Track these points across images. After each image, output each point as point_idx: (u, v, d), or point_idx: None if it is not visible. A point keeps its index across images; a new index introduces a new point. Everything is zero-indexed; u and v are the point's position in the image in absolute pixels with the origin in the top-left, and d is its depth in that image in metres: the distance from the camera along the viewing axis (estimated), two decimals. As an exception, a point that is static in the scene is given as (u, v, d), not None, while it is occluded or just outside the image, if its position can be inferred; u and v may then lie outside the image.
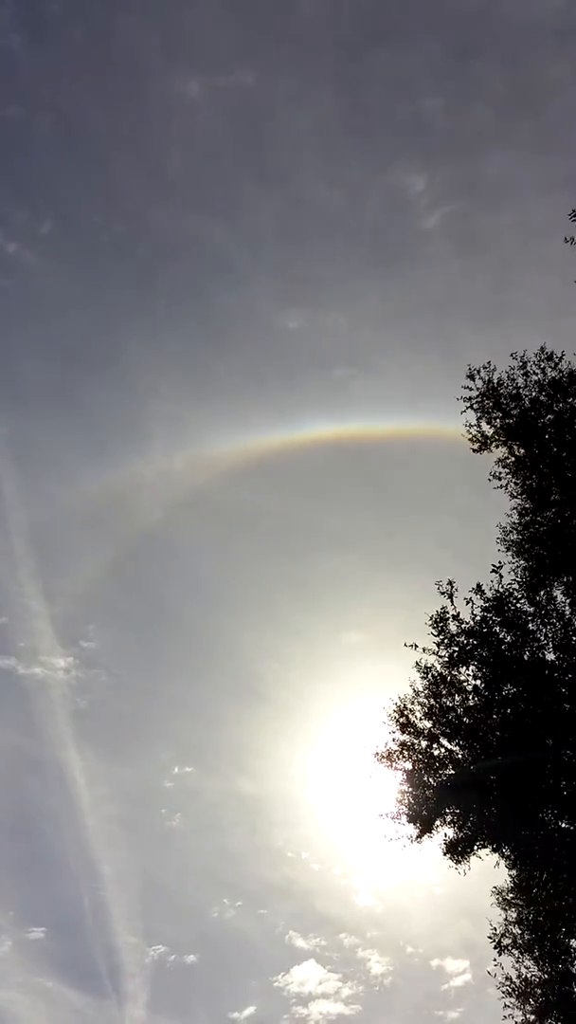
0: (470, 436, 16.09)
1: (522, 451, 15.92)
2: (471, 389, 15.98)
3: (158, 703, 62.32)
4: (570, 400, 15.69)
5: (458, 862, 14.51)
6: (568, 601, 14.48)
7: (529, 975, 14.56)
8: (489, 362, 15.93)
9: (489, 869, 14.85)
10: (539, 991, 14.44)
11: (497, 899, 15.27)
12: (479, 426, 15.99)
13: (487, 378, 15.92)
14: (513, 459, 16.01)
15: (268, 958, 50.56)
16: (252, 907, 52.88)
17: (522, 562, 15.32)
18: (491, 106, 63.21)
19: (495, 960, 14.43)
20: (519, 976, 14.45)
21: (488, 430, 15.97)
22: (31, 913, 48.16)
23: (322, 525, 65.28)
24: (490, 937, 14.57)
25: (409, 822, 14.88)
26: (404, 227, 65.48)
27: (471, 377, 15.95)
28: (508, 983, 14.35)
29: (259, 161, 66.19)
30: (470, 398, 15.96)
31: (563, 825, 13.74)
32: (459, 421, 16.58)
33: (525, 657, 13.97)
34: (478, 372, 15.95)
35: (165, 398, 63.37)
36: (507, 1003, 14.42)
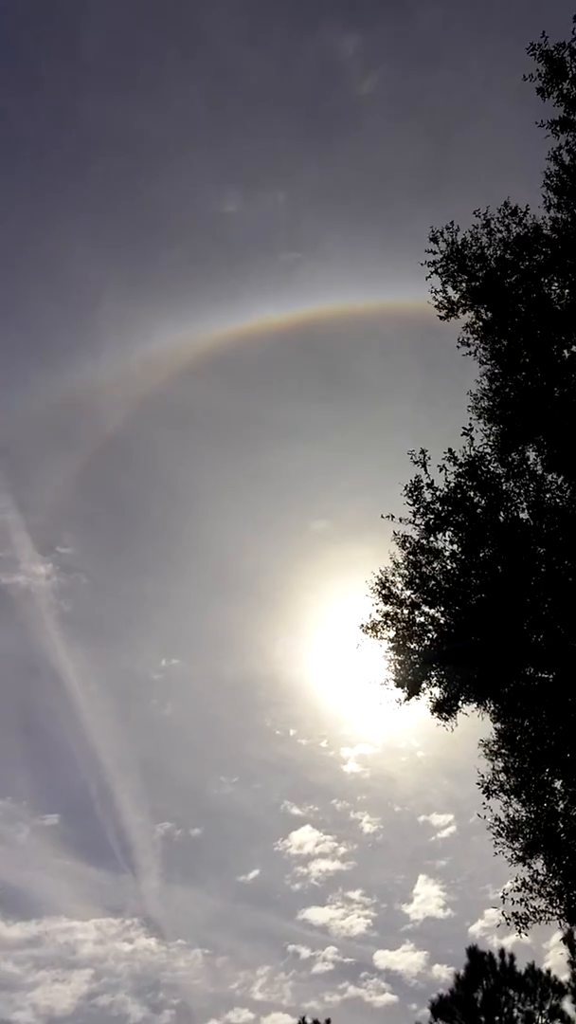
0: (436, 303, 15.73)
1: (490, 315, 15.61)
2: (434, 253, 15.50)
3: (139, 601, 63.62)
4: (536, 257, 15.28)
5: (445, 719, 15.14)
6: (540, 459, 14.56)
7: (516, 816, 15.45)
8: (452, 222, 15.41)
9: (469, 732, 15.56)
10: (527, 830, 15.36)
11: (484, 751, 16.00)
12: (445, 291, 15.62)
13: (451, 240, 15.43)
14: (481, 324, 15.71)
15: (267, 826, 54.01)
16: (247, 782, 55.90)
17: (493, 427, 15.27)
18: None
19: (484, 803, 15.28)
20: (507, 817, 15.34)
21: (454, 295, 15.61)
22: (44, 802, 50.83)
23: (280, 416, 64.81)
24: (478, 783, 15.37)
25: (397, 687, 15.39)
26: (339, 93, 61.77)
27: (434, 240, 15.45)
28: (497, 823, 15.24)
29: (178, 30, 61.53)
30: (434, 262, 15.50)
31: (542, 676, 14.28)
32: (410, 296, 16.27)
33: (500, 519, 14.14)
34: (441, 234, 15.45)
35: (111, 297, 61.32)
36: (497, 842, 15.36)
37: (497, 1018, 25.87)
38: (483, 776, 15.53)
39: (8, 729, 56.20)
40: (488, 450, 14.78)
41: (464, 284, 15.51)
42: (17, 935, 45.70)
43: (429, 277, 15.59)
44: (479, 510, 14.19)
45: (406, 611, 15.07)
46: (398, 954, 46.02)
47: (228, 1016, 43.21)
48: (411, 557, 14.78)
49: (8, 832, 50.05)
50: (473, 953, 27.58)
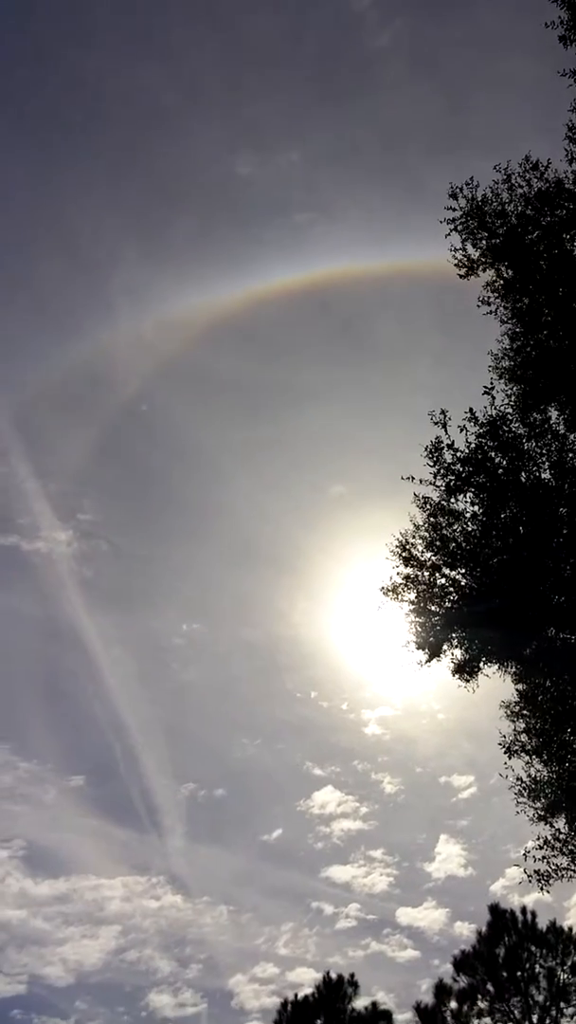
0: (455, 261, 15.48)
1: (511, 272, 15.33)
2: (454, 209, 15.21)
3: (159, 567, 64.11)
4: (558, 212, 14.95)
5: (467, 680, 15.16)
6: (562, 418, 14.38)
7: (538, 776, 15.53)
8: (472, 178, 15.08)
9: (489, 694, 15.58)
10: (548, 789, 15.45)
11: (505, 712, 16.05)
12: (464, 249, 15.34)
13: (470, 196, 15.12)
14: (501, 282, 15.45)
15: (289, 786, 54.91)
16: (269, 744, 56.68)
17: (515, 387, 15.07)
18: None
19: (505, 764, 15.37)
20: (529, 777, 15.43)
21: (474, 253, 15.34)
22: (69, 763, 52.00)
23: (296, 380, 64.31)
24: (500, 744, 15.46)
25: (418, 649, 15.41)
26: (354, 48, 60.09)
27: (453, 196, 15.16)
28: (519, 783, 15.34)
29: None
30: (453, 219, 15.21)
31: (563, 636, 14.26)
32: (427, 255, 15.98)
33: (522, 479, 14.02)
34: (461, 190, 15.14)
35: (123, 266, 60.84)
36: (519, 801, 15.47)
37: (519, 973, 26.32)
38: (504, 737, 15.61)
39: (32, 693, 57.27)
40: (509, 410, 14.62)
41: (484, 241, 15.22)
42: (47, 892, 47.02)
43: (448, 235, 15.34)
44: (500, 471, 14.06)
45: (427, 573, 15.02)
46: (420, 911, 46.85)
47: (254, 970, 44.32)
48: (432, 519, 14.70)
49: (35, 793, 51.25)
50: (495, 910, 27.99)
